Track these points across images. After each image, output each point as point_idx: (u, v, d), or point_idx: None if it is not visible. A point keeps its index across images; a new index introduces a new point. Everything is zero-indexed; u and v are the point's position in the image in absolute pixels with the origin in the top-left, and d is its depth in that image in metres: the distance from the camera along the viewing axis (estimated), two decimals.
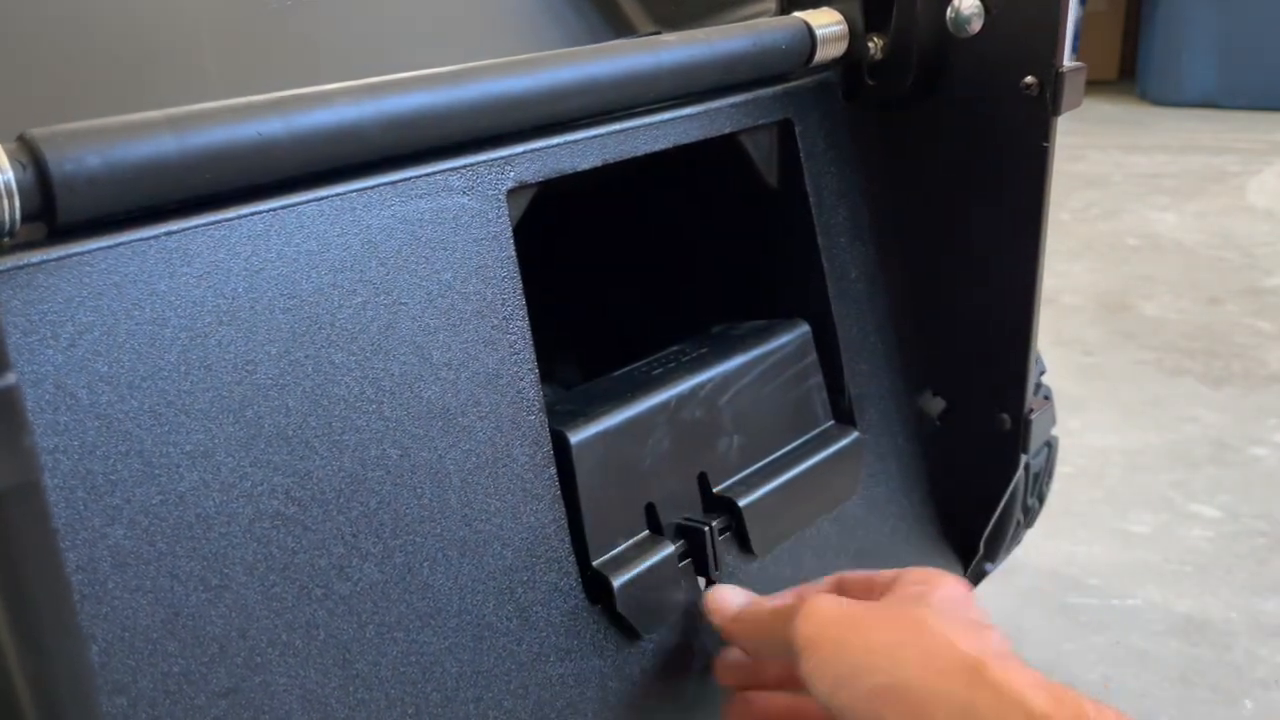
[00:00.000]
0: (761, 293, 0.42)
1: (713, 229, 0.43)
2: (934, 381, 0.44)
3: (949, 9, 0.38)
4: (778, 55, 0.38)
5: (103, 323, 0.23)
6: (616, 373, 0.37)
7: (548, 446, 0.31)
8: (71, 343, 0.23)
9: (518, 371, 0.31)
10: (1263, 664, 0.58)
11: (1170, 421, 0.86)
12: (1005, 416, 0.42)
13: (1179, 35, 2.00)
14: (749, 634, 0.33)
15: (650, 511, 0.35)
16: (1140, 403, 0.90)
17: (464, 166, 0.30)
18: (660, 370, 0.37)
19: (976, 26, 0.38)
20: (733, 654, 0.35)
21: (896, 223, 0.42)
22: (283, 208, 0.26)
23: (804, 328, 0.40)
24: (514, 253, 0.31)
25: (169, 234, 0.25)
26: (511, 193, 0.31)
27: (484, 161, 0.30)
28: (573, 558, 0.32)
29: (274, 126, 0.26)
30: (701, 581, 0.36)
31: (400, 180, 0.28)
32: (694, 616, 0.36)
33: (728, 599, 0.34)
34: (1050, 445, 0.51)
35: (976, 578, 0.51)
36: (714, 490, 0.36)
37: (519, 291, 0.31)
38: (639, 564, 0.33)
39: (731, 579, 0.37)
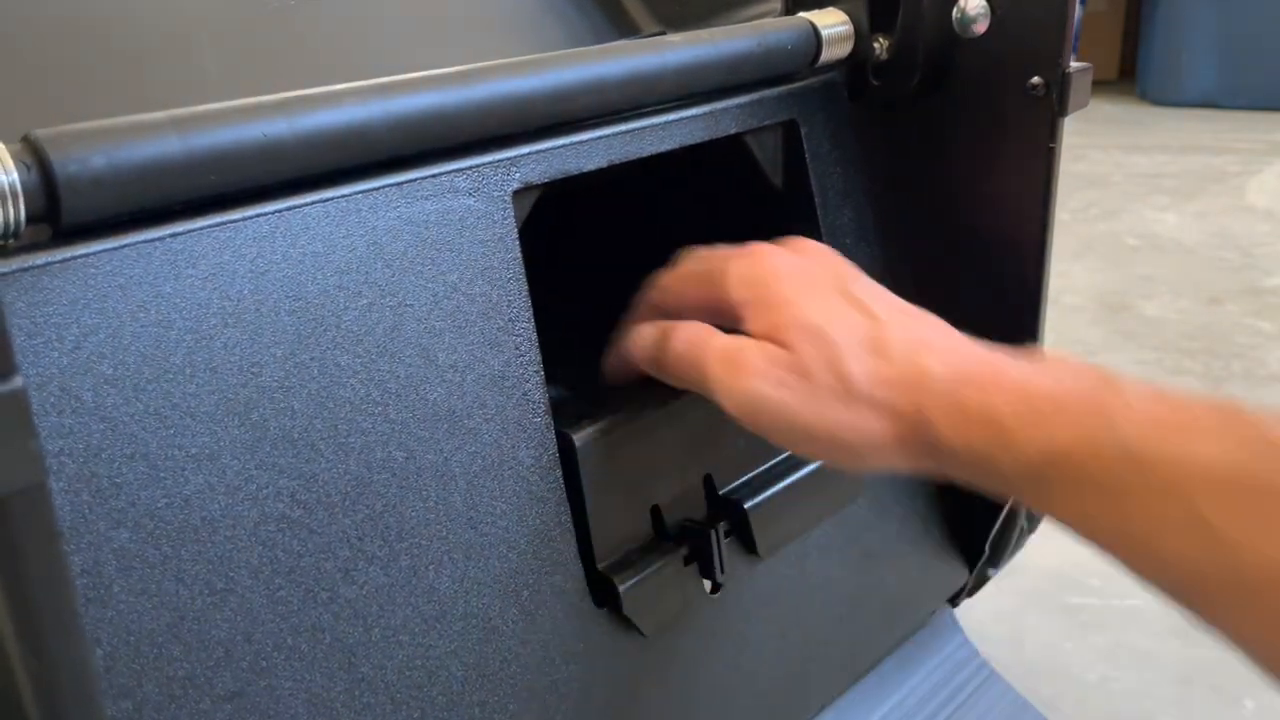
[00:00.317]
0: None
1: (718, 229, 0.43)
2: None
3: (954, 9, 0.38)
4: (783, 56, 0.38)
5: (108, 325, 0.23)
6: None
7: (553, 449, 0.31)
8: (76, 345, 0.23)
9: (523, 373, 0.31)
10: None
11: None
12: None
13: (1179, 35, 2.00)
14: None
15: (655, 514, 0.34)
16: None
17: (470, 168, 0.30)
18: None
19: (982, 27, 0.38)
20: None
21: (901, 223, 0.42)
22: (288, 209, 0.26)
23: None
24: (519, 254, 0.31)
25: (174, 236, 0.24)
26: (517, 194, 0.31)
27: (490, 163, 0.30)
28: (578, 560, 0.32)
29: (279, 127, 0.25)
30: (707, 584, 0.36)
31: (406, 181, 0.28)
32: (700, 619, 0.35)
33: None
34: None
35: (979, 582, 0.51)
36: (719, 492, 0.36)
37: (524, 293, 0.31)
38: (645, 567, 0.33)
39: (736, 581, 0.37)
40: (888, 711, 0.43)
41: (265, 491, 0.25)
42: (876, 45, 0.40)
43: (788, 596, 0.39)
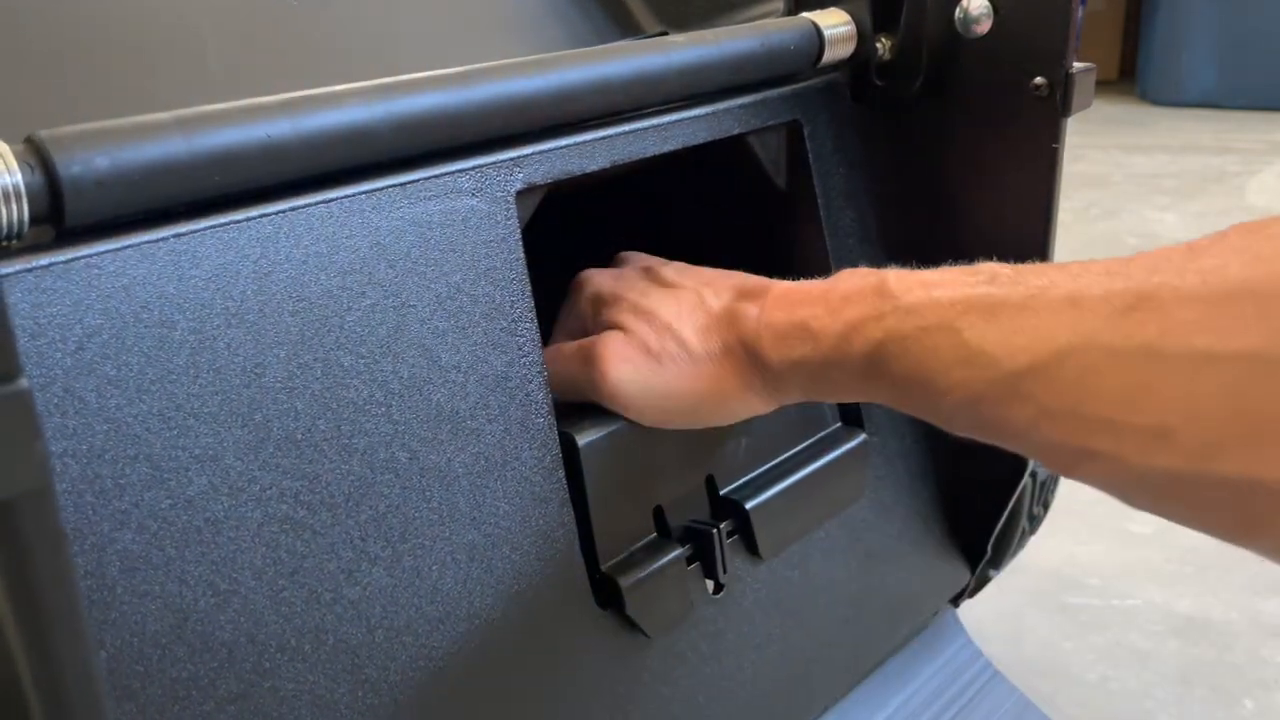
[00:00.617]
0: None
1: (721, 230, 0.43)
2: None
3: (957, 9, 0.38)
4: (786, 56, 0.38)
5: (111, 326, 0.23)
6: None
7: (556, 450, 0.31)
8: (80, 346, 0.23)
9: (526, 374, 0.31)
10: (1263, 664, 0.58)
11: None
12: None
13: (1179, 35, 2.00)
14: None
15: (658, 514, 0.34)
16: None
17: (473, 168, 0.30)
18: None
19: (985, 27, 0.38)
20: None
21: (904, 224, 0.42)
22: (291, 210, 0.26)
23: None
24: (523, 255, 0.31)
25: (177, 236, 0.24)
26: (520, 194, 0.31)
27: (493, 163, 0.30)
28: (581, 561, 0.32)
29: (282, 128, 0.25)
30: (710, 585, 0.36)
31: (409, 182, 0.28)
32: (703, 620, 0.35)
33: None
34: None
35: (980, 583, 0.51)
36: (721, 493, 0.36)
37: (528, 294, 0.31)
38: (648, 567, 0.33)
39: (739, 582, 0.37)
40: (892, 712, 0.43)
41: (268, 493, 0.25)
42: (879, 45, 0.40)
43: (790, 597, 0.39)
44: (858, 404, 0.41)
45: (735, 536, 0.36)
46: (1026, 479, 0.45)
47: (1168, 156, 1.72)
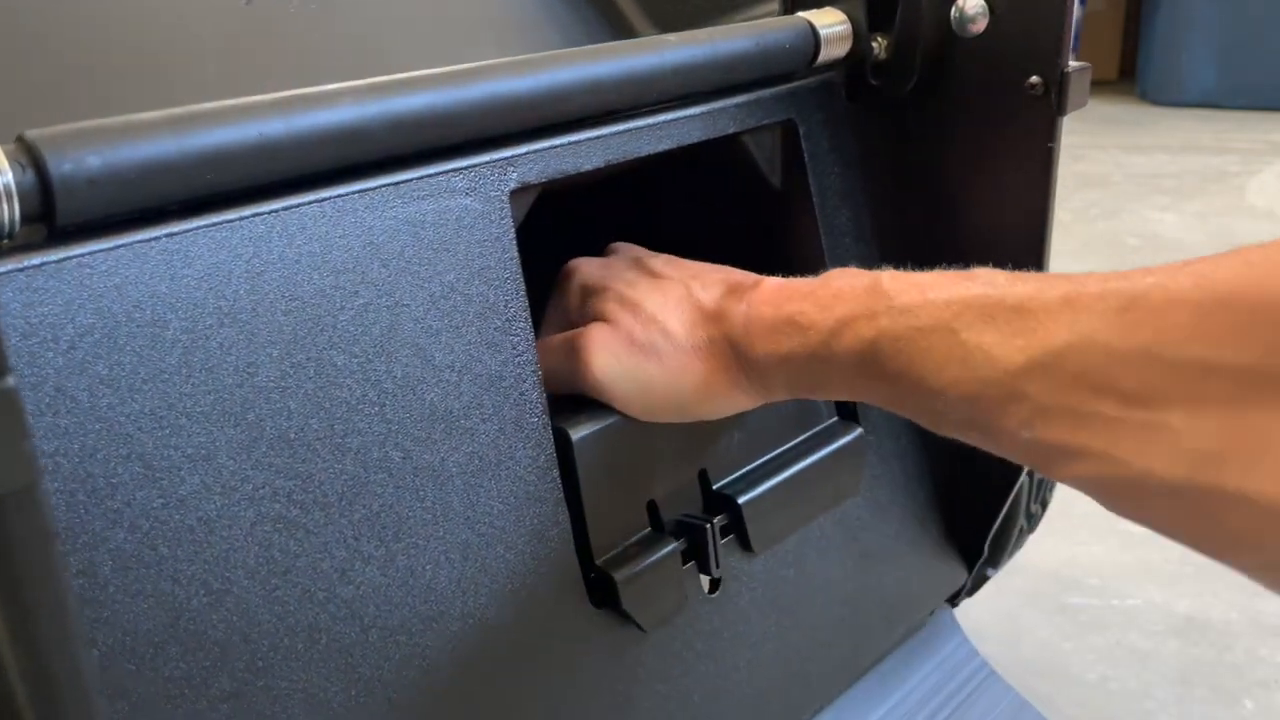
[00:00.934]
0: None
1: (716, 229, 0.43)
2: None
3: (953, 8, 0.38)
4: (781, 55, 0.38)
5: (103, 325, 0.23)
6: None
7: (550, 448, 0.31)
8: (72, 345, 0.23)
9: (520, 373, 0.31)
10: (1263, 664, 0.58)
11: None
12: None
13: (1179, 35, 2.00)
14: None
15: (652, 509, 0.34)
16: None
17: (466, 167, 0.30)
18: None
19: (981, 26, 0.38)
20: None
21: (900, 223, 0.42)
22: (284, 209, 0.26)
23: None
24: (516, 254, 0.31)
25: (170, 235, 0.24)
26: (514, 194, 0.31)
27: (486, 162, 0.30)
28: (575, 559, 0.32)
29: (275, 127, 0.25)
30: (705, 580, 0.36)
31: (402, 181, 0.28)
32: (699, 619, 0.35)
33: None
34: None
35: (978, 582, 0.51)
36: (714, 487, 0.36)
37: (522, 293, 0.31)
38: (642, 561, 0.33)
39: (734, 581, 0.37)
40: (887, 711, 0.43)
41: (261, 492, 0.25)
42: (875, 45, 0.40)
43: (786, 596, 0.39)
44: (853, 402, 0.41)
45: (727, 533, 0.36)
46: (1023, 478, 0.45)
47: (1168, 156, 1.72)
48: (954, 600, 0.50)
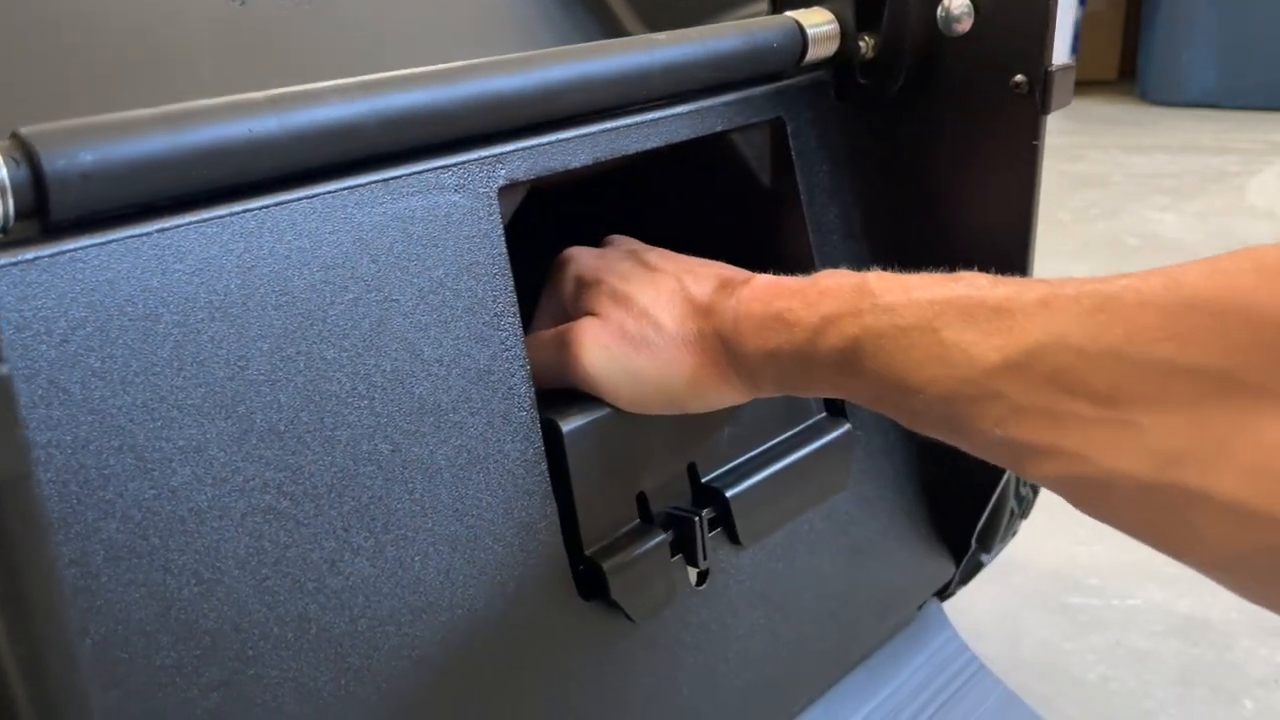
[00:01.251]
0: None
1: (704, 227, 0.43)
2: None
3: (939, 8, 0.38)
4: (769, 54, 0.38)
5: (96, 319, 0.24)
6: None
7: (539, 442, 0.32)
8: (65, 338, 0.23)
9: (509, 368, 0.31)
10: (1263, 664, 0.58)
11: None
12: None
13: (1179, 35, 2.00)
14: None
15: (641, 501, 0.35)
16: None
17: (455, 164, 0.30)
18: None
19: (966, 25, 0.38)
20: None
21: (887, 221, 0.42)
22: (275, 205, 0.27)
23: None
24: (505, 250, 0.31)
25: (162, 231, 0.25)
26: (503, 190, 0.31)
27: (475, 159, 0.30)
28: (564, 551, 0.32)
29: (266, 124, 0.26)
30: (692, 573, 0.36)
31: (392, 178, 0.29)
32: (687, 613, 0.36)
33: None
34: None
35: (972, 570, 0.51)
36: (703, 480, 0.36)
37: (510, 289, 0.31)
38: (632, 552, 0.33)
39: (723, 574, 0.37)
40: (876, 706, 0.44)
41: (252, 484, 0.26)
42: (862, 44, 0.40)
43: (774, 591, 0.39)
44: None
45: (715, 526, 0.36)
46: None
47: (1167, 156, 1.72)
48: (943, 594, 0.50)
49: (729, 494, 0.36)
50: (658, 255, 0.35)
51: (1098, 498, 0.24)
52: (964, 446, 0.27)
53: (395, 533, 0.28)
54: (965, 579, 0.51)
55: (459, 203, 0.30)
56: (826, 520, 0.41)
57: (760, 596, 0.38)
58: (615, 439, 0.33)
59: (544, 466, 0.32)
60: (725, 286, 0.32)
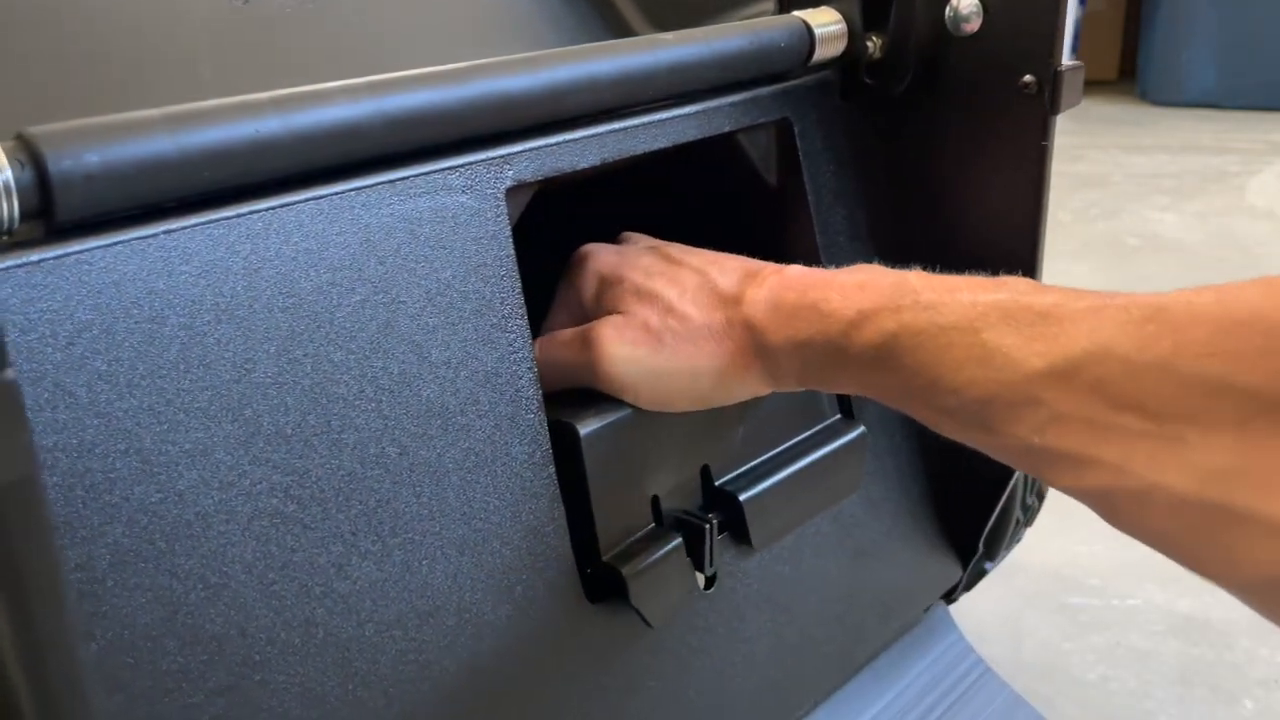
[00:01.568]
0: None
1: (711, 228, 0.43)
2: None
3: (947, 8, 0.38)
4: (776, 54, 0.38)
5: (101, 321, 0.23)
6: None
7: (547, 445, 0.31)
8: (70, 341, 0.23)
9: (516, 370, 0.31)
10: (1263, 664, 0.58)
11: None
12: None
13: (1179, 35, 2.00)
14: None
15: (655, 504, 0.35)
16: None
17: (463, 165, 0.30)
18: None
19: (975, 25, 0.38)
20: None
21: (895, 221, 0.42)
22: (281, 206, 0.26)
23: None
24: (513, 251, 0.31)
25: (167, 232, 0.25)
26: (510, 191, 0.31)
27: (483, 160, 0.30)
28: (571, 555, 0.32)
29: (272, 125, 0.26)
30: (700, 580, 0.36)
31: (399, 179, 0.28)
32: (695, 615, 0.36)
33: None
34: None
35: (976, 576, 0.51)
36: (716, 483, 0.36)
37: (518, 290, 0.31)
38: (649, 556, 0.33)
39: (729, 578, 0.37)
40: (882, 708, 0.43)
41: (258, 487, 0.26)
42: (869, 44, 0.40)
43: (781, 593, 0.39)
44: (850, 399, 0.41)
45: (727, 528, 0.36)
46: (1018, 473, 0.45)
47: (1168, 156, 1.72)
48: (950, 597, 0.50)
49: (743, 497, 0.36)
50: (680, 250, 0.35)
51: (1135, 512, 0.23)
52: (992, 451, 0.26)
53: (402, 536, 0.28)
54: (971, 584, 0.51)
55: (466, 204, 0.30)
56: (833, 523, 0.41)
57: (767, 599, 0.38)
58: (632, 442, 0.33)
59: (551, 470, 0.31)
60: (753, 277, 0.32)
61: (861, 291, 0.29)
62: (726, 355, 0.31)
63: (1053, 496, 0.55)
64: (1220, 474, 0.21)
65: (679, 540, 0.34)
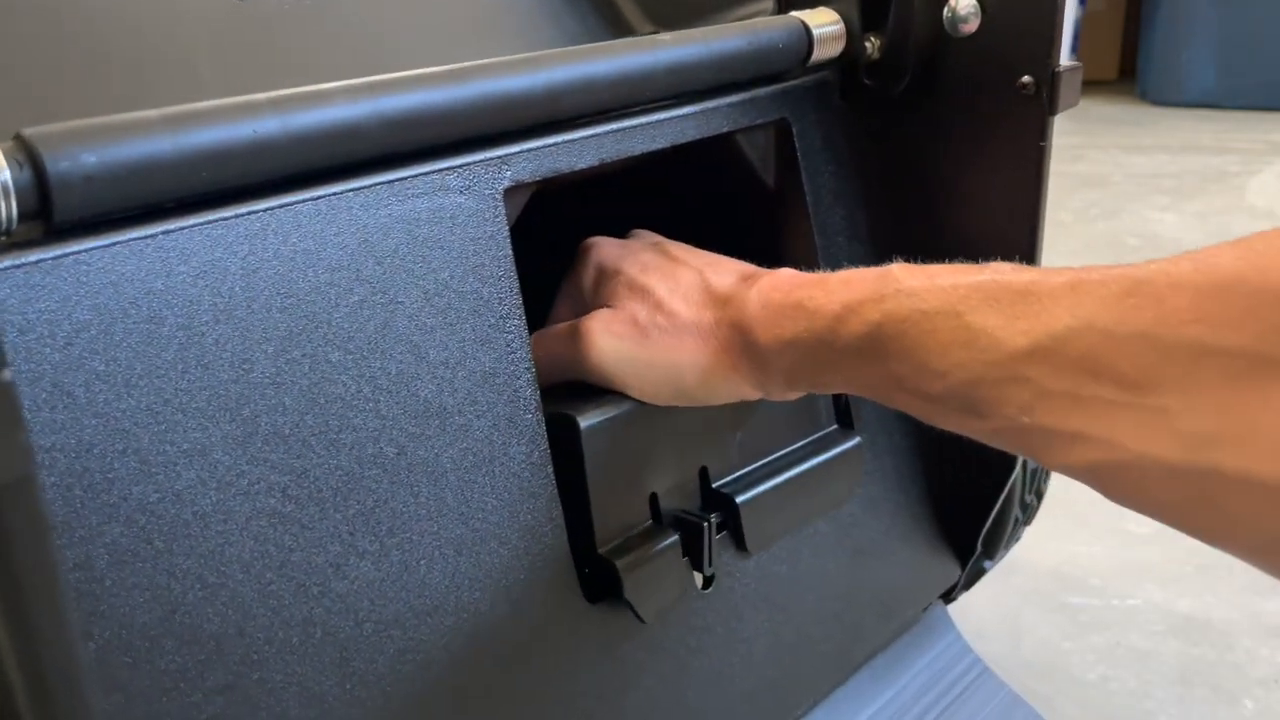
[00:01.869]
0: None
1: (709, 228, 0.43)
2: None
3: (945, 8, 0.38)
4: (775, 55, 0.38)
5: (99, 321, 0.24)
6: None
7: (544, 444, 0.31)
8: (68, 341, 0.23)
9: (514, 370, 0.31)
10: (1263, 664, 0.58)
11: None
12: None
13: (1179, 35, 2.00)
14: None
15: (654, 502, 0.35)
16: None
17: (461, 166, 0.30)
18: None
19: (973, 26, 0.38)
20: None
21: (893, 222, 0.42)
22: (279, 207, 0.26)
23: None
24: (510, 252, 0.31)
25: (165, 233, 0.25)
26: (508, 192, 0.31)
27: (481, 161, 0.30)
28: (569, 554, 0.32)
29: (270, 125, 0.26)
30: (697, 577, 0.36)
31: (397, 179, 0.29)
32: (692, 615, 0.36)
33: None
34: None
35: (975, 575, 0.51)
36: (713, 485, 0.36)
37: (515, 290, 0.31)
38: (645, 552, 0.33)
39: (727, 577, 0.37)
40: (880, 708, 0.43)
41: (256, 487, 0.26)
42: (868, 44, 0.40)
43: (779, 593, 0.39)
44: (849, 406, 0.41)
45: (724, 529, 0.36)
46: (1016, 471, 0.45)
47: (1168, 156, 1.72)
48: (948, 596, 0.50)
49: (739, 500, 0.36)
50: (681, 249, 0.35)
51: (1129, 484, 0.23)
52: (984, 437, 0.26)
53: (400, 536, 0.28)
54: (970, 583, 0.51)
55: (464, 204, 0.30)
56: (831, 522, 0.41)
57: (765, 599, 0.38)
58: (631, 437, 0.33)
59: (550, 469, 0.32)
60: (746, 278, 0.32)
61: (846, 286, 0.29)
62: (710, 353, 0.32)
63: (1051, 495, 0.55)
64: (1206, 439, 0.21)
65: (675, 538, 0.34)
